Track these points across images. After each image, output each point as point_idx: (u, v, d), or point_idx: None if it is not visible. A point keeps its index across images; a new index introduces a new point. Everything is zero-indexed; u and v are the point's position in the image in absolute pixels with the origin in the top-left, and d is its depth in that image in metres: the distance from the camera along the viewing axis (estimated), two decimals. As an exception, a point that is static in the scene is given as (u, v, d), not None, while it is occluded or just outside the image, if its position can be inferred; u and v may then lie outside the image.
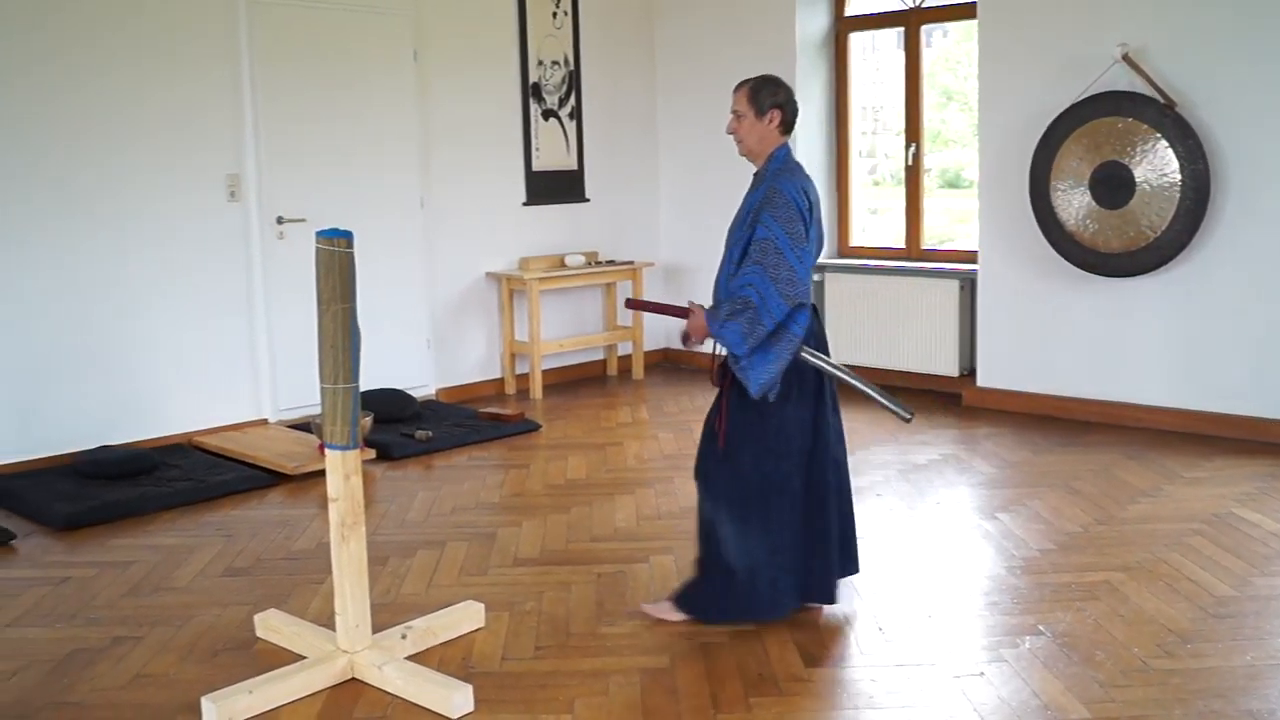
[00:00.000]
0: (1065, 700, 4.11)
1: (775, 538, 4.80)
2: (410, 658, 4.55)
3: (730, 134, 4.98)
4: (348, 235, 4.32)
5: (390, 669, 4.36)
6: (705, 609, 4.88)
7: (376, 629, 4.62)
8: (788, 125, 4.99)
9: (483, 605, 4.99)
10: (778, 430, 4.79)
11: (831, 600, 4.94)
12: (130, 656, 4.72)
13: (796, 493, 4.81)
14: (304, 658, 4.55)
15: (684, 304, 5.00)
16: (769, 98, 4.92)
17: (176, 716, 4.19)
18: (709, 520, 4.91)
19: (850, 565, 5.12)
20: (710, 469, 4.91)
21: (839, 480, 4.97)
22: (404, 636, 4.64)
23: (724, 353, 4.87)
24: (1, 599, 5.38)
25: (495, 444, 8.00)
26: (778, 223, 4.66)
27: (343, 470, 4.41)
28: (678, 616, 4.90)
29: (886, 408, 4.82)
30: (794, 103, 5.00)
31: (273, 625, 4.86)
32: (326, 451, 4.44)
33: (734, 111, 4.96)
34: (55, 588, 5.52)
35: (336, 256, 4.27)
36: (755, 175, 4.98)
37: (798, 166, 4.90)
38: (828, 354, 4.94)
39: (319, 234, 4.32)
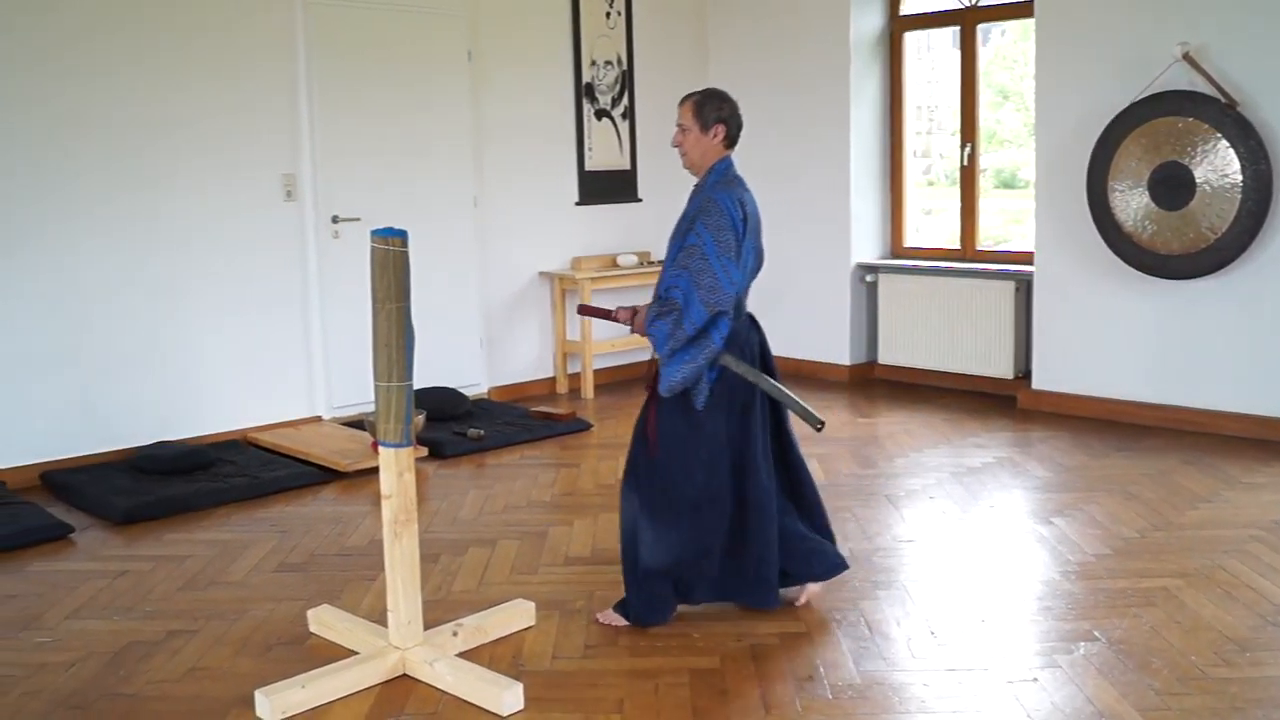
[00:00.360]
0: (1120, 707, 4.07)
1: (700, 544, 4.83)
2: (461, 655, 4.55)
3: (675, 146, 4.93)
4: (402, 234, 4.32)
5: (441, 665, 4.36)
6: (637, 614, 4.88)
7: (428, 626, 4.62)
8: (731, 139, 4.94)
9: (533, 604, 4.98)
10: (710, 440, 4.82)
11: (765, 605, 4.96)
12: (185, 650, 4.75)
13: (725, 502, 4.84)
14: (356, 653, 4.57)
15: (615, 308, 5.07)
16: (714, 112, 4.88)
17: (230, 709, 4.21)
18: (631, 522, 4.90)
19: (810, 570, 5.09)
20: (640, 473, 4.89)
21: (761, 495, 4.90)
22: (455, 634, 4.64)
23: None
24: (60, 591, 5.43)
25: (547, 443, 8.00)
26: (708, 230, 4.67)
27: (396, 468, 4.42)
28: (622, 622, 4.90)
29: (800, 413, 4.95)
30: (738, 117, 4.96)
31: (325, 621, 4.88)
32: (380, 449, 4.45)
33: (679, 125, 4.89)
34: (112, 581, 5.56)
35: (391, 255, 4.28)
36: (695, 186, 4.94)
37: (737, 179, 4.88)
38: (771, 365, 5.09)
39: (374, 233, 4.33)
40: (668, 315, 4.69)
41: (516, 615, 4.91)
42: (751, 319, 4.99)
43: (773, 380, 4.94)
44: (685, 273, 4.66)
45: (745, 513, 4.88)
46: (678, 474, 4.81)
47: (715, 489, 4.83)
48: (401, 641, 4.49)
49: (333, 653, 4.63)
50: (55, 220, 7.24)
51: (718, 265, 4.65)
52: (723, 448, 4.84)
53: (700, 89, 5.03)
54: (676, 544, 4.81)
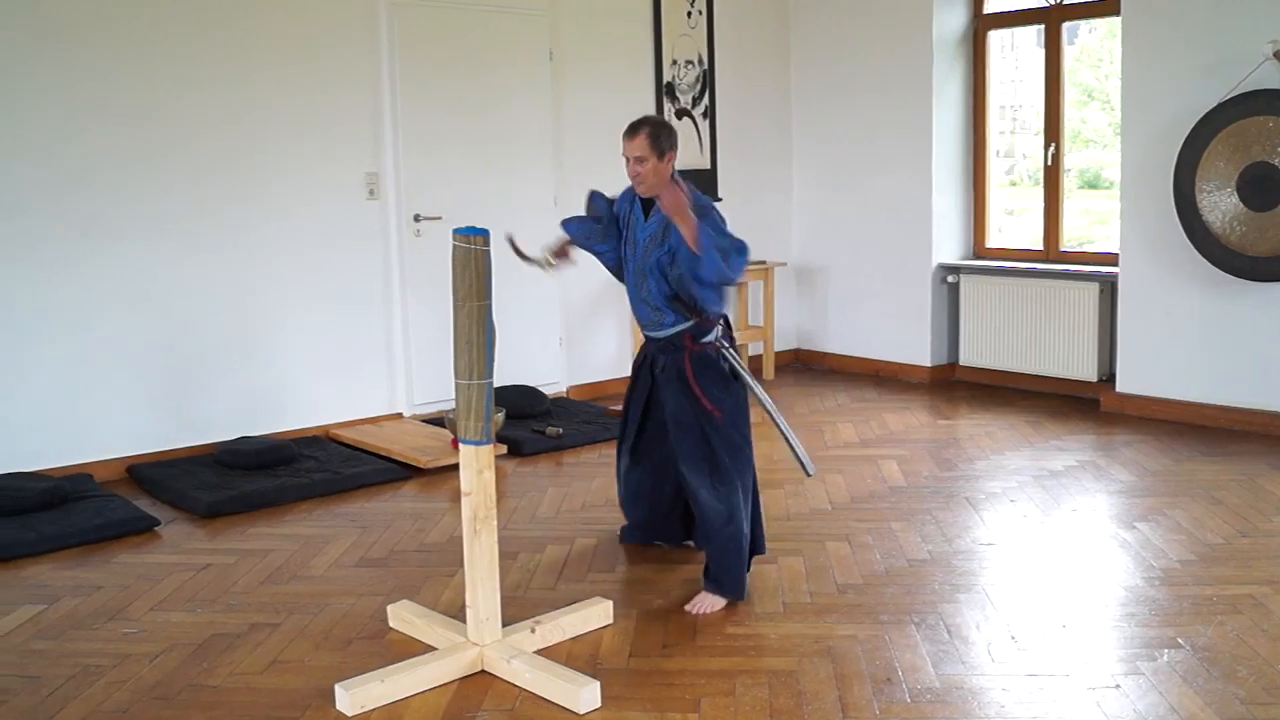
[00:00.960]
0: (1204, 716, 4.01)
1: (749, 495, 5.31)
2: (538, 653, 4.55)
3: (633, 178, 5.25)
4: (484, 233, 4.34)
5: (519, 662, 4.37)
6: (738, 587, 5.15)
7: (506, 623, 4.64)
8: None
9: (610, 602, 4.97)
10: (739, 404, 5.29)
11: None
12: (267, 642, 4.80)
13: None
14: (434, 649, 4.59)
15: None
16: (666, 141, 5.21)
17: (311, 702, 4.25)
18: (719, 502, 5.18)
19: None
20: (716, 451, 5.20)
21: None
22: (533, 631, 4.65)
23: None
24: (145, 584, 5.51)
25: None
26: (713, 229, 5.12)
27: (476, 465, 4.44)
28: (721, 603, 5.08)
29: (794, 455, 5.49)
30: (676, 137, 5.33)
31: (405, 616, 4.89)
32: (460, 446, 4.47)
33: (636, 157, 5.18)
34: (196, 574, 5.64)
35: (473, 254, 4.30)
36: (650, 201, 5.31)
37: (690, 189, 5.19)
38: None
39: (456, 231, 4.34)
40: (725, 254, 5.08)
41: (594, 614, 4.90)
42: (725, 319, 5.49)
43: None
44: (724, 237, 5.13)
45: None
46: (738, 436, 5.24)
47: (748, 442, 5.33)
48: (480, 638, 4.50)
49: (412, 648, 4.67)
50: (143, 218, 7.34)
51: (723, 232, 5.15)
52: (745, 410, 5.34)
53: (641, 120, 5.26)
54: (752, 499, 5.30)
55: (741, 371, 5.31)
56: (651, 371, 5.47)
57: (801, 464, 5.47)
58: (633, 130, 5.20)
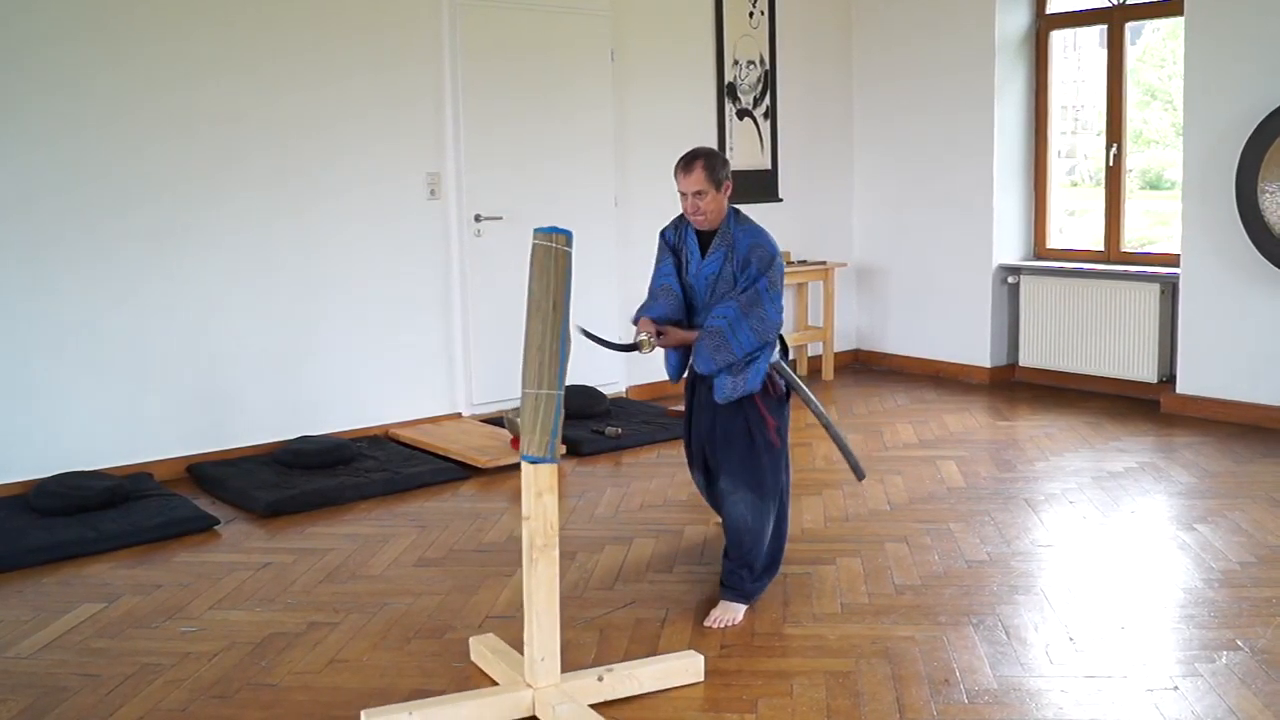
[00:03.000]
0: (1263, 718, 3.99)
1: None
2: (603, 705, 4.21)
3: (693, 213, 5.16)
4: (567, 233, 4.06)
5: (566, 711, 4.00)
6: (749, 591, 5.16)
7: (564, 623, 4.51)
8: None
9: (702, 658, 4.49)
10: (785, 423, 5.33)
11: None
12: (326, 641, 4.85)
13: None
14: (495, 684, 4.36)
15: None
16: (722, 171, 5.15)
17: (369, 701, 4.28)
18: (751, 518, 5.15)
19: None
20: (761, 468, 5.15)
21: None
22: (600, 679, 4.25)
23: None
24: (206, 582, 5.58)
25: (682, 443, 8.01)
26: (763, 274, 5.07)
27: (536, 487, 4.09)
28: (740, 612, 5.05)
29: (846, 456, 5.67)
30: (729, 166, 5.29)
31: (482, 651, 4.56)
32: (522, 465, 4.13)
33: (695, 192, 5.10)
34: (256, 573, 5.70)
35: (554, 254, 4.04)
36: (716, 234, 5.22)
37: (747, 218, 5.25)
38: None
39: (538, 230, 4.06)
40: (720, 347, 5.02)
41: (679, 669, 4.41)
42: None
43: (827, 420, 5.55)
44: (735, 304, 5.03)
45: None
46: (785, 460, 5.31)
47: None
48: (535, 679, 4.14)
49: (469, 657, 4.67)
50: (210, 221, 7.44)
51: (768, 303, 5.05)
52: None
53: (693, 153, 5.17)
54: (788, 519, 5.38)
55: (796, 384, 5.31)
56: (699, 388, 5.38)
57: (854, 469, 5.64)
58: (687, 164, 5.13)
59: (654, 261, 5.42)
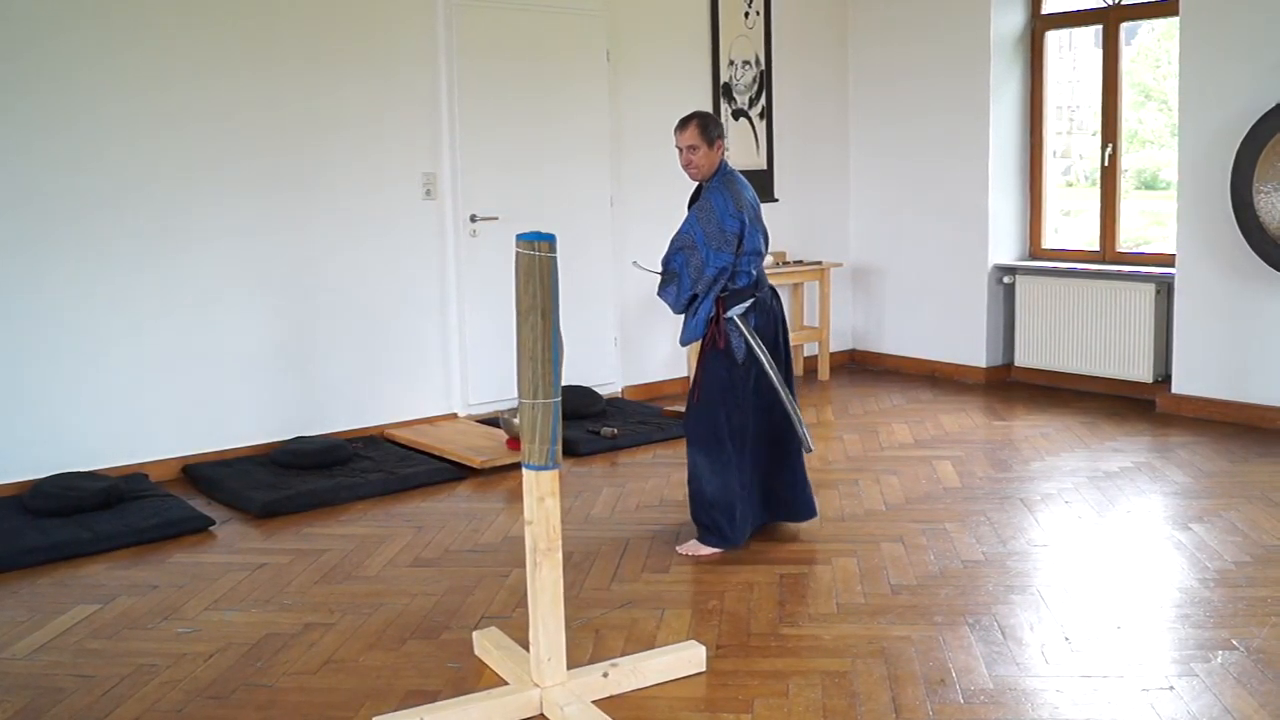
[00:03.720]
0: (1259, 718, 3.99)
1: (743, 474, 5.91)
2: (608, 700, 4.26)
3: (685, 166, 5.90)
4: (550, 239, 4.04)
5: (573, 710, 4.06)
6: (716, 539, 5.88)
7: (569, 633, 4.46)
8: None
9: (704, 648, 4.56)
10: (742, 386, 5.89)
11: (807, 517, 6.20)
12: (321, 642, 4.85)
13: (760, 439, 5.99)
14: (506, 682, 4.36)
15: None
16: (715, 129, 5.89)
17: (365, 703, 4.28)
18: (692, 462, 5.96)
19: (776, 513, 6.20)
20: (691, 417, 5.97)
21: (786, 429, 6.04)
22: (605, 675, 4.31)
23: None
24: (201, 583, 5.57)
25: (680, 442, 7.98)
26: (699, 224, 5.81)
27: (538, 492, 4.14)
28: (705, 550, 5.83)
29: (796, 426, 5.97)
30: (722, 127, 6.07)
31: (486, 645, 4.62)
32: (524, 470, 4.16)
33: (689, 146, 5.84)
34: (251, 573, 5.70)
35: (538, 261, 4.01)
36: (699, 187, 6.02)
37: (734, 175, 5.94)
38: (786, 334, 6.14)
39: (519, 237, 4.03)
40: (669, 283, 5.92)
41: (682, 661, 4.48)
42: (773, 290, 6.11)
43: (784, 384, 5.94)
44: (681, 253, 5.84)
45: (779, 446, 6.02)
46: (720, 416, 5.82)
47: (747, 427, 5.90)
48: (541, 679, 4.20)
49: (472, 662, 4.67)
50: (204, 220, 7.43)
51: (705, 252, 5.74)
52: (752, 394, 5.90)
53: (690, 113, 5.95)
54: (725, 474, 5.83)
55: (755, 347, 5.83)
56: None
57: (802, 441, 5.96)
58: (683, 123, 5.85)
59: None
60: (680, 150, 5.85)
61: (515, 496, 6.76)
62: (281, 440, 7.69)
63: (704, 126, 5.82)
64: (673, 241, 5.91)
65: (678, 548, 5.86)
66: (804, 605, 5.12)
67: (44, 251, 6.91)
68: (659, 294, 6.01)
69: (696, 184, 6.01)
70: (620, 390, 9.43)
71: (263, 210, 7.65)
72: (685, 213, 5.93)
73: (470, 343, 8.55)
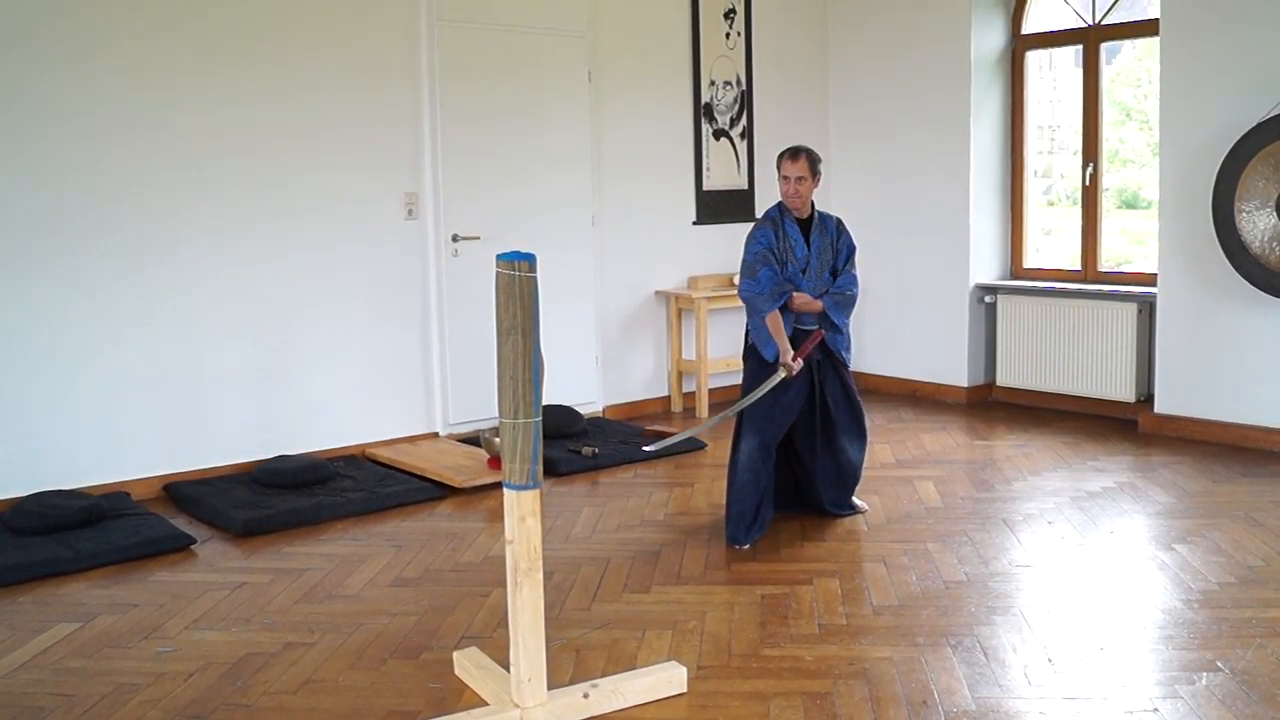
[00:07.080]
0: (1243, 740, 3.99)
1: (766, 476, 6.42)
2: (592, 719, 4.30)
3: (791, 195, 6.39)
4: (530, 258, 4.04)
5: None
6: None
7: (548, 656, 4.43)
8: None
9: (684, 669, 4.56)
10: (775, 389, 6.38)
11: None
12: (301, 662, 4.82)
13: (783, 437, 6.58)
14: (486, 703, 4.35)
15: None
16: (819, 165, 6.45)
17: (344, 723, 4.26)
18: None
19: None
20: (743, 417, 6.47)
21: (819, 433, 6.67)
22: (586, 696, 4.31)
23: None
24: (181, 602, 5.54)
25: (661, 461, 8.00)
26: (854, 255, 6.68)
27: (518, 512, 4.12)
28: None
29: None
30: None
31: (466, 665, 4.63)
32: (505, 490, 4.15)
33: (797, 177, 6.35)
34: (232, 592, 5.66)
35: (518, 281, 4.00)
36: (810, 220, 6.55)
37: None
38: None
39: (499, 257, 4.04)
40: (852, 305, 6.68)
41: (663, 681, 4.48)
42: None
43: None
44: (851, 276, 6.64)
45: (816, 440, 6.58)
46: (757, 416, 6.34)
47: (775, 430, 6.40)
48: (522, 699, 4.19)
49: (454, 683, 4.64)
50: (183, 237, 7.40)
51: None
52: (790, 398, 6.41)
53: (799, 146, 6.46)
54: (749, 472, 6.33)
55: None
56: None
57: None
58: (794, 154, 6.36)
59: (758, 250, 6.43)
60: (787, 179, 6.33)
61: (496, 516, 6.74)
62: (262, 459, 7.64)
63: (813, 160, 6.36)
64: (849, 269, 6.57)
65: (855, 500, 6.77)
66: (786, 626, 5.10)
67: (24, 270, 6.87)
68: (846, 320, 6.56)
69: (804, 215, 6.48)
70: (601, 409, 9.41)
71: (245, 230, 7.62)
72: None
73: (451, 362, 8.52)
